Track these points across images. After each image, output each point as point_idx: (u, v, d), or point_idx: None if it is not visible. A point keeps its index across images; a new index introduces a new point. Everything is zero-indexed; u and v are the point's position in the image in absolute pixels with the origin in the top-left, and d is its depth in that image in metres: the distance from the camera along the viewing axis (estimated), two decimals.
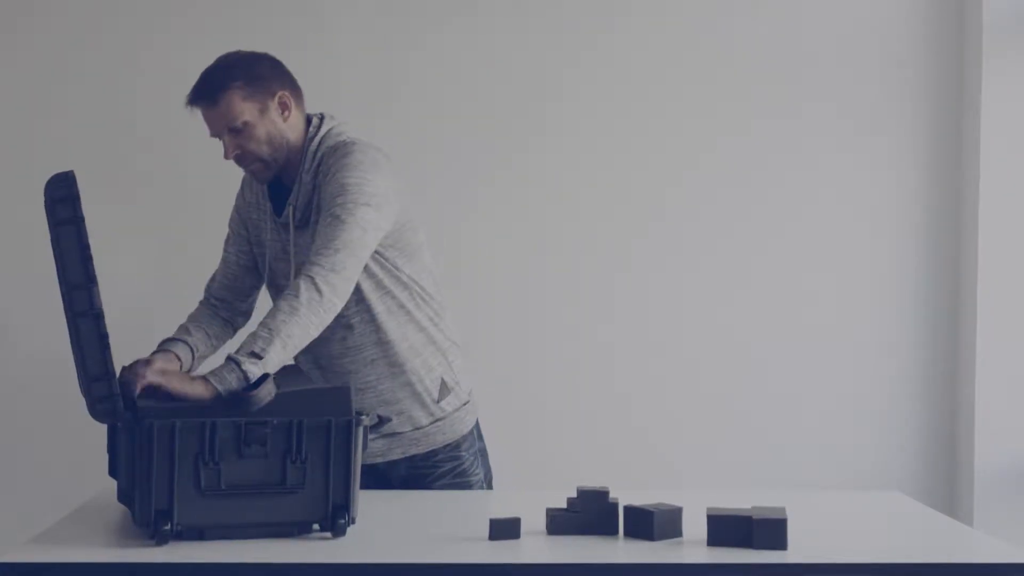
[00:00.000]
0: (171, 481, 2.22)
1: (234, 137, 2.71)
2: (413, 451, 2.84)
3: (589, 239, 3.78)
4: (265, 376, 2.34)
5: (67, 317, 2.32)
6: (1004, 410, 3.72)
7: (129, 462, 2.25)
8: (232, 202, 2.96)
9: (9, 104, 3.73)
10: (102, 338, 2.24)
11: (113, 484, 2.48)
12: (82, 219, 2.31)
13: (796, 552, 2.21)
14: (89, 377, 2.26)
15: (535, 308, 3.78)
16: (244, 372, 2.36)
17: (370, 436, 2.58)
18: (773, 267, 3.82)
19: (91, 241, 2.27)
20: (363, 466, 2.59)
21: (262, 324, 2.48)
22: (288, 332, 2.45)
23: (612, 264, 3.79)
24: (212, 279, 2.96)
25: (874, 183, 3.83)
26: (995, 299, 3.71)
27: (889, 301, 3.83)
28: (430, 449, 2.84)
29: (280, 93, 2.74)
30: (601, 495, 2.35)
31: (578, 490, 2.37)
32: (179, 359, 2.74)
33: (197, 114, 2.75)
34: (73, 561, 2.14)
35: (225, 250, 2.95)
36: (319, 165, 2.74)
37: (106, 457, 2.55)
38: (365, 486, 2.61)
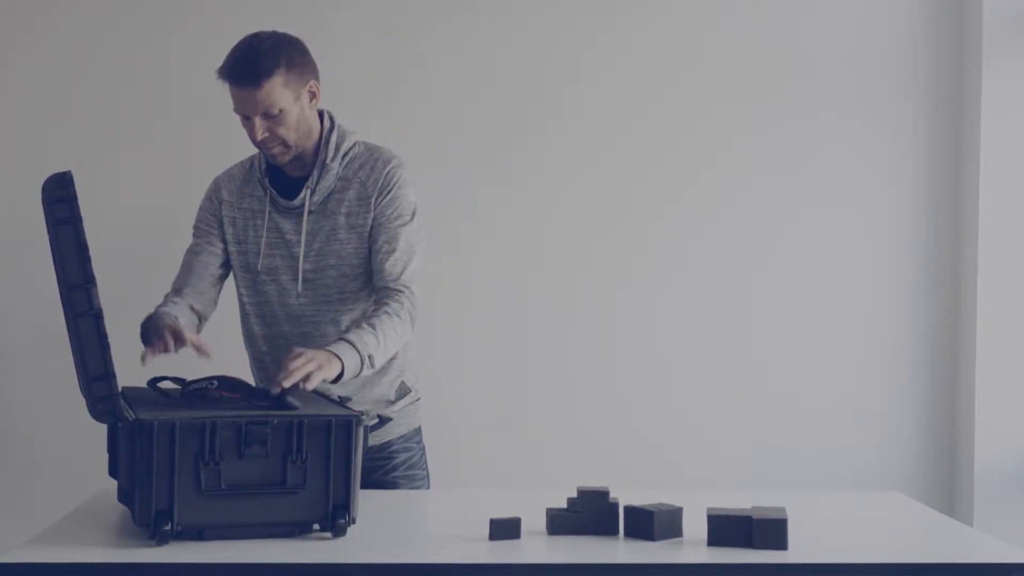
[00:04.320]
0: (171, 481, 2.21)
1: (265, 120, 2.73)
2: (370, 443, 2.86)
3: (590, 240, 3.78)
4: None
5: (66, 318, 2.32)
6: (1004, 410, 3.72)
7: (129, 462, 2.25)
8: None
9: (12, 105, 3.73)
10: (101, 338, 2.24)
11: (113, 484, 2.49)
12: (80, 219, 2.30)
13: (796, 552, 2.21)
14: (89, 377, 2.26)
15: (536, 308, 3.78)
16: (360, 353, 2.53)
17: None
18: (773, 267, 3.82)
19: (90, 241, 2.27)
20: None
21: (381, 333, 2.62)
22: (388, 352, 2.65)
23: (613, 265, 3.79)
24: (177, 286, 2.90)
25: (874, 184, 3.83)
26: (995, 299, 3.72)
27: (889, 302, 3.83)
28: (385, 441, 2.90)
29: (311, 82, 2.79)
30: (601, 495, 2.35)
31: (578, 490, 2.37)
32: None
33: (220, 88, 2.73)
34: (73, 561, 2.14)
35: (195, 257, 2.89)
36: (346, 157, 2.81)
37: (106, 457, 2.55)
38: None
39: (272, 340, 2.88)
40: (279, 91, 2.70)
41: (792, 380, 3.82)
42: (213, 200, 2.92)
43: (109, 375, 2.25)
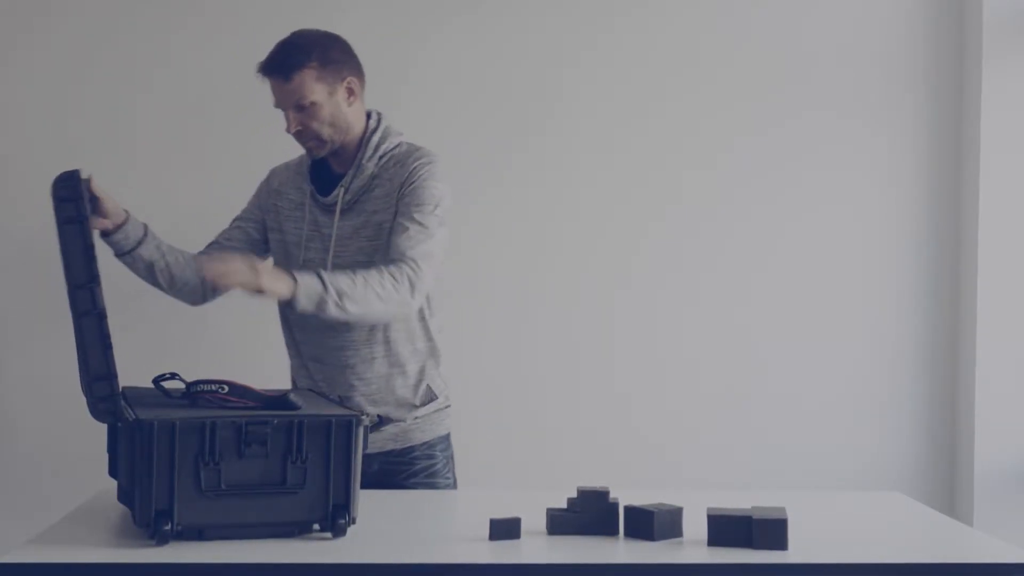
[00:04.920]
0: (171, 481, 2.21)
1: (298, 113, 2.79)
2: (391, 447, 2.88)
3: (590, 239, 3.78)
4: None
5: (72, 316, 2.32)
6: (1004, 410, 3.72)
7: (129, 462, 2.25)
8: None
9: (14, 105, 3.73)
10: (104, 338, 2.24)
11: (113, 484, 2.49)
12: (86, 218, 2.32)
13: (796, 552, 2.21)
14: (91, 376, 2.26)
15: (535, 308, 3.78)
16: (325, 304, 2.53)
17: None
18: (773, 267, 3.82)
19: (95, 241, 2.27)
20: None
21: (361, 279, 2.60)
22: (371, 306, 2.60)
23: (613, 264, 3.79)
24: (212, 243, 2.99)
25: (874, 184, 3.83)
26: (995, 299, 3.72)
27: (889, 302, 3.83)
28: (407, 446, 2.89)
29: (349, 79, 2.83)
30: (601, 495, 2.35)
31: (578, 490, 2.37)
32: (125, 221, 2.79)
33: (265, 84, 2.82)
34: (73, 561, 2.14)
35: (233, 226, 2.99)
36: (383, 157, 2.83)
37: (106, 457, 2.55)
38: None
39: (306, 332, 2.91)
40: (310, 84, 2.77)
41: (792, 380, 3.82)
42: (264, 188, 3.00)
43: (111, 375, 2.25)
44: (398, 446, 2.88)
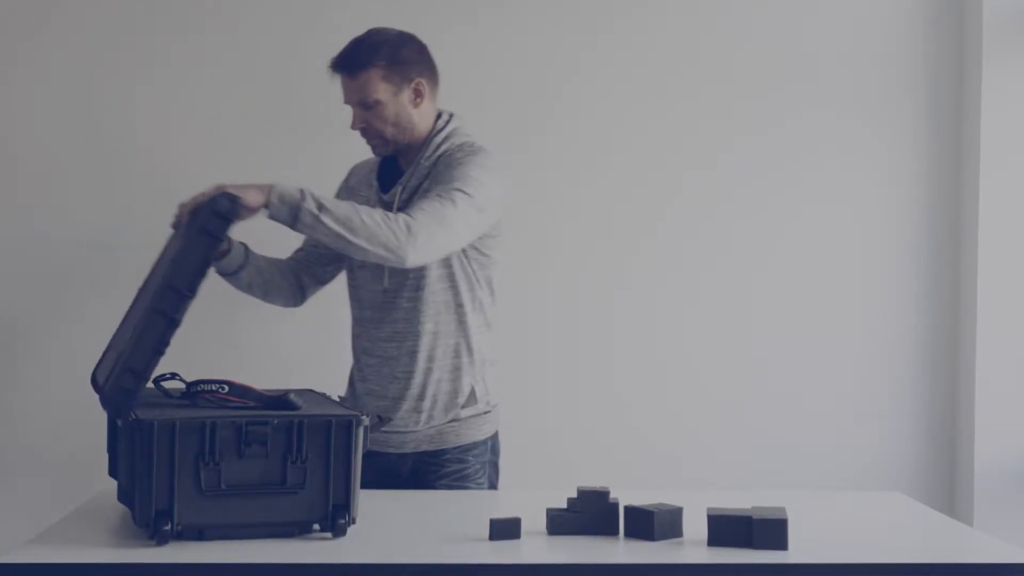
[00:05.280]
0: (171, 481, 2.21)
1: (363, 111, 2.83)
2: (425, 447, 2.88)
3: (590, 239, 3.78)
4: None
5: (137, 305, 2.34)
6: (1004, 410, 3.72)
7: (129, 462, 2.25)
8: None
9: (16, 105, 3.73)
10: (163, 344, 2.28)
11: (113, 484, 2.49)
12: (221, 241, 2.45)
13: (796, 552, 2.21)
14: (125, 367, 2.26)
15: (535, 307, 3.78)
16: (300, 208, 2.51)
17: (383, 429, 2.75)
18: (773, 267, 3.82)
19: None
20: (375, 455, 2.78)
21: (350, 203, 2.61)
22: (354, 228, 2.55)
23: (613, 264, 3.79)
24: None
25: (874, 184, 3.83)
26: (995, 299, 3.72)
27: (889, 301, 3.83)
28: (440, 448, 2.88)
29: (417, 80, 2.85)
30: (601, 495, 2.35)
31: (578, 490, 2.37)
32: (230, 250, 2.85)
33: (336, 81, 2.86)
34: (73, 561, 2.14)
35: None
36: (440, 155, 2.85)
37: (106, 457, 2.55)
38: (375, 474, 2.76)
39: (360, 324, 2.96)
40: (376, 83, 2.81)
41: (792, 380, 3.82)
42: (343, 186, 3.06)
43: (144, 376, 2.27)
44: (432, 447, 2.88)
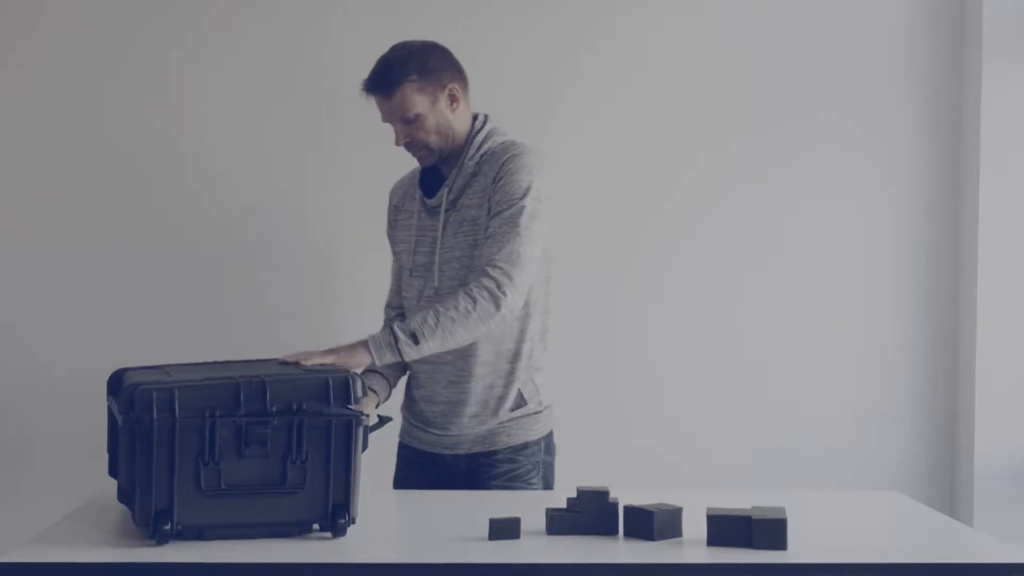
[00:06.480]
0: (171, 481, 2.22)
1: (405, 126, 2.85)
2: (478, 448, 2.91)
3: (590, 239, 3.78)
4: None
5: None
6: (1004, 410, 3.72)
7: (129, 462, 2.25)
8: None
9: (16, 105, 3.73)
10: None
11: (113, 484, 2.49)
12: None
13: (796, 552, 2.21)
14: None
15: None
16: (399, 350, 2.63)
17: (436, 432, 2.85)
18: (773, 267, 3.82)
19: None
20: (430, 456, 2.88)
21: (433, 311, 2.66)
22: (452, 331, 2.67)
23: (613, 264, 3.79)
24: (388, 302, 3.10)
25: (874, 184, 3.83)
26: (995, 300, 3.71)
27: (889, 301, 3.83)
28: (492, 449, 2.90)
29: (450, 86, 2.87)
30: (601, 495, 2.35)
31: (578, 490, 2.37)
32: (377, 394, 2.92)
33: (372, 102, 2.87)
34: (73, 561, 2.14)
35: (393, 268, 3.09)
36: (483, 155, 2.87)
37: (106, 457, 2.55)
38: (430, 475, 2.85)
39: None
40: (412, 97, 2.82)
41: (792, 380, 3.82)
42: (389, 210, 3.08)
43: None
44: (484, 448, 2.90)
